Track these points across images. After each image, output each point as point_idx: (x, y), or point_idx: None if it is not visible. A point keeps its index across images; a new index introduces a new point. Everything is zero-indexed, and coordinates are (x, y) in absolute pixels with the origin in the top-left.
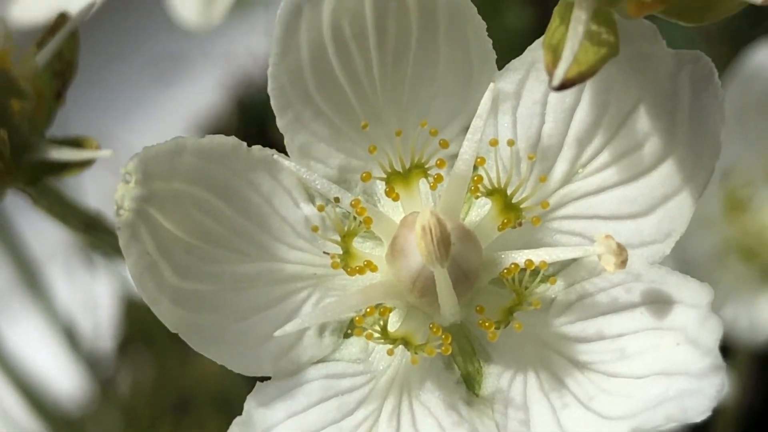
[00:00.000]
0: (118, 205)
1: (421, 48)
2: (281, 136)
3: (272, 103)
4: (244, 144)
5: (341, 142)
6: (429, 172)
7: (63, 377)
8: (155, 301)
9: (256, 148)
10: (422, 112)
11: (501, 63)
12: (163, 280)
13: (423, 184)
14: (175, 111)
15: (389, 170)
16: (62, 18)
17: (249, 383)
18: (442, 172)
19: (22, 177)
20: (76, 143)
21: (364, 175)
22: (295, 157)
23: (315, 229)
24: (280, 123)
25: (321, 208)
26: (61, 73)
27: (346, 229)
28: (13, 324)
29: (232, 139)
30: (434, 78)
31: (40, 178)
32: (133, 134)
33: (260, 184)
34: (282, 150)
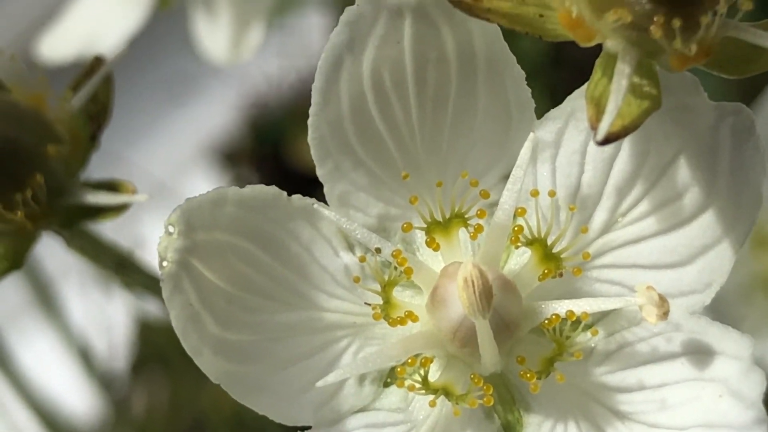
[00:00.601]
0: (162, 256)
1: (460, 97)
2: (295, 159)
3: (312, 152)
4: (284, 193)
5: (381, 191)
6: (469, 221)
7: (77, 397)
8: (197, 351)
9: (296, 197)
10: (461, 161)
11: None
12: (205, 330)
13: (462, 233)
14: (187, 132)
15: (429, 220)
16: (97, 61)
17: None
18: (482, 221)
19: (57, 220)
20: (112, 187)
21: (404, 225)
22: (334, 206)
23: (356, 279)
24: (320, 172)
25: (362, 259)
26: (96, 116)
27: (386, 278)
28: (27, 343)
29: (273, 189)
30: (473, 127)
31: (75, 222)
32: (144, 155)
33: (300, 233)
34: (299, 176)
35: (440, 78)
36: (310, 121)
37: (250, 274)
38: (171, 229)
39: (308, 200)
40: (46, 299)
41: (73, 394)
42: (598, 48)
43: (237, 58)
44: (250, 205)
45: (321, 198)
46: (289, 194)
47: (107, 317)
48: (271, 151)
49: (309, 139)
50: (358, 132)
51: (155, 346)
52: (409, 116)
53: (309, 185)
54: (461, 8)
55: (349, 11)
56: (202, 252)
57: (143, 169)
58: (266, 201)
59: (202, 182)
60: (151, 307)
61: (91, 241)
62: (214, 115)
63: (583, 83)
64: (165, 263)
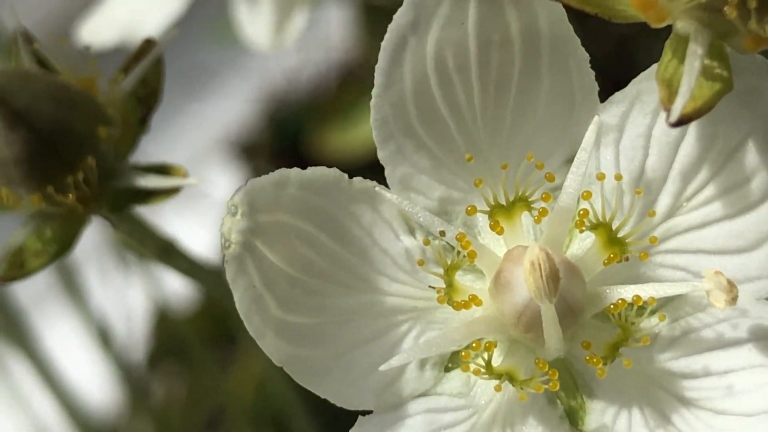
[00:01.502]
0: (225, 238)
1: (523, 80)
2: (314, 152)
3: (374, 134)
4: (346, 176)
5: (442, 174)
6: (533, 205)
7: (96, 383)
8: (261, 334)
9: (357, 179)
10: (524, 144)
11: None
12: (267, 313)
13: (525, 217)
14: (204, 125)
15: (493, 203)
16: (147, 44)
17: (287, 400)
18: (546, 205)
19: (107, 203)
20: (163, 170)
21: (468, 208)
22: (395, 189)
23: (421, 262)
24: (382, 154)
25: (426, 242)
26: (146, 99)
27: (449, 262)
28: (49, 326)
29: (334, 171)
30: (536, 110)
31: (125, 206)
32: (162, 148)
33: (361, 215)
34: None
35: (503, 60)
36: (372, 102)
37: (312, 257)
38: (234, 210)
39: (370, 183)
40: (69, 283)
41: (93, 379)
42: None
43: (279, 44)
44: (312, 186)
45: None
46: None
47: (126, 302)
48: (290, 144)
49: (371, 120)
50: (421, 114)
51: (172, 339)
52: (471, 98)
53: None
54: None
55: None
56: (265, 234)
57: (159, 161)
58: (328, 183)
59: (220, 175)
60: (171, 297)
61: (138, 226)
62: (232, 108)
63: None
64: (229, 245)
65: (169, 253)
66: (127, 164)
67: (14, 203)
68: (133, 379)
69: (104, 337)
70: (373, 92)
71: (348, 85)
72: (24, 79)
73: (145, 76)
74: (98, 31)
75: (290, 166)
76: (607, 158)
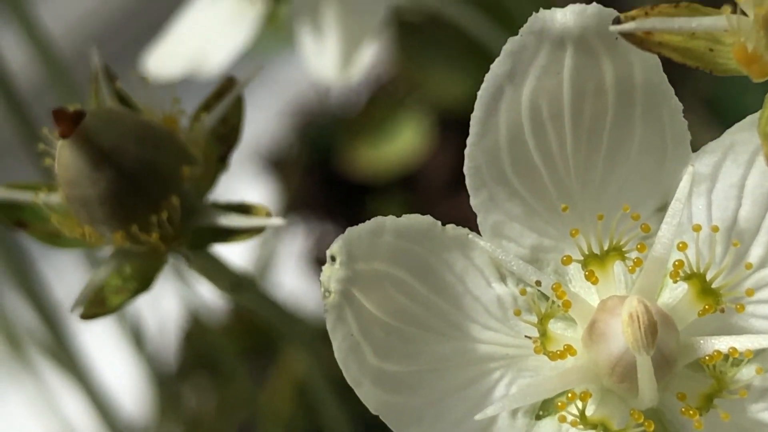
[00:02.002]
0: (325, 287)
1: (615, 128)
2: (344, 167)
3: (467, 182)
4: (438, 223)
5: (535, 222)
6: (627, 255)
7: (128, 387)
8: (358, 382)
9: (450, 227)
10: (616, 192)
11: None
12: (364, 361)
13: (618, 266)
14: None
15: (587, 253)
16: (229, 82)
17: (326, 413)
18: (641, 255)
19: (187, 241)
20: (244, 209)
21: (564, 258)
22: (487, 236)
23: (517, 312)
24: (474, 202)
25: (523, 292)
26: (226, 137)
27: (543, 311)
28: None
29: (428, 218)
30: (628, 158)
31: (205, 244)
32: None
33: (454, 263)
34: (348, 184)
35: (597, 108)
36: (467, 151)
37: (407, 305)
38: (333, 259)
39: (462, 230)
40: None
41: (124, 382)
42: None
43: (346, 78)
44: (407, 234)
45: (370, 205)
46: (339, 201)
47: (161, 311)
48: (321, 158)
49: (465, 168)
50: (514, 162)
51: (207, 345)
52: (564, 146)
53: (358, 193)
54: (632, 41)
55: (512, 42)
56: (362, 282)
57: None
58: (422, 230)
59: (250, 189)
60: (205, 305)
61: (212, 262)
62: (262, 121)
63: None
64: (328, 294)
65: (240, 287)
66: (207, 202)
67: (96, 240)
68: (165, 386)
69: (138, 342)
70: (468, 141)
71: (379, 100)
72: (111, 119)
73: (225, 114)
74: (164, 62)
75: (322, 181)
76: (699, 207)
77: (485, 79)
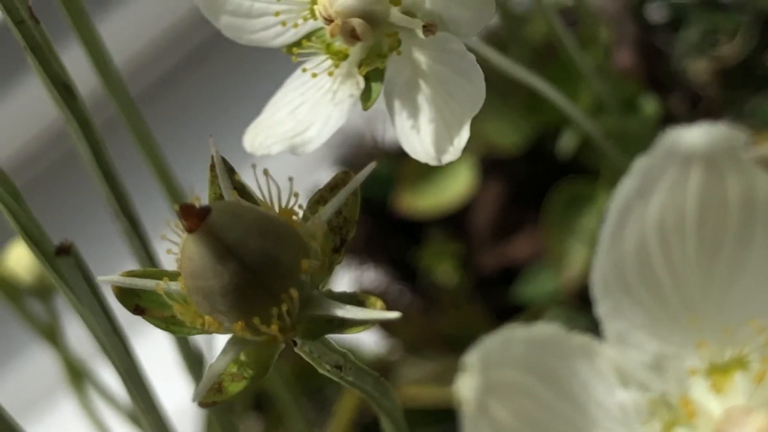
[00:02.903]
0: (462, 397)
1: (736, 243)
2: (401, 207)
3: (594, 291)
4: (564, 330)
5: (658, 329)
6: (749, 366)
7: (185, 413)
8: None
9: (576, 334)
10: (737, 304)
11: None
12: None
13: (739, 376)
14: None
15: (710, 362)
16: (344, 176)
17: None
18: (765, 367)
19: (302, 331)
20: (358, 300)
21: (690, 369)
22: (611, 343)
23: (646, 420)
24: (600, 310)
25: (653, 406)
26: (339, 229)
27: (667, 418)
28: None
29: (554, 327)
30: (747, 272)
31: (319, 334)
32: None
33: (579, 370)
34: (406, 224)
35: (719, 223)
36: (595, 262)
37: (536, 412)
38: (469, 368)
39: (587, 338)
40: None
41: (182, 407)
42: None
43: (442, 160)
44: (536, 343)
45: (416, 248)
46: (397, 240)
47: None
48: (379, 197)
49: (592, 279)
50: (639, 273)
51: (264, 382)
52: (686, 258)
53: (415, 232)
54: (762, 165)
55: (642, 161)
56: (496, 391)
57: None
58: (551, 339)
59: None
60: None
61: (318, 345)
62: (312, 161)
63: None
64: (465, 404)
65: (342, 368)
66: (322, 292)
67: (215, 329)
68: (222, 418)
69: (197, 367)
70: (597, 252)
71: None
72: (235, 213)
73: (340, 207)
74: (262, 141)
75: (380, 220)
76: None
77: (616, 194)
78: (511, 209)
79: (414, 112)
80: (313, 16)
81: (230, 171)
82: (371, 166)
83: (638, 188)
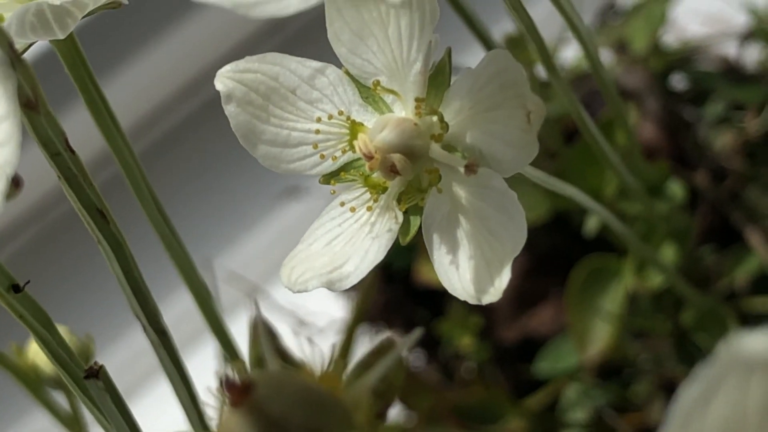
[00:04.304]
0: None
1: None
2: (421, 278)
3: None
4: None
5: None
6: None
7: None
8: None
9: None
10: None
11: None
12: None
13: None
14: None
15: None
16: (388, 343)
17: None
18: None
19: None
20: None
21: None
22: None
23: None
24: None
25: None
26: (383, 394)
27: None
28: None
29: None
30: None
31: None
32: (237, 262)
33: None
34: (427, 293)
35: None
36: None
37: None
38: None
39: None
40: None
41: None
42: None
43: (483, 301)
44: None
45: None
46: (417, 309)
47: None
48: (400, 266)
49: None
50: None
51: None
52: None
53: (436, 302)
54: None
55: (704, 369)
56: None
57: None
58: None
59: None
60: None
61: None
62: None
63: None
64: None
65: None
66: None
67: None
68: None
69: None
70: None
71: None
72: (278, 386)
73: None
74: (297, 275)
75: (400, 288)
76: None
77: (678, 399)
78: (534, 281)
79: (453, 248)
80: (352, 148)
81: (272, 336)
82: (417, 333)
83: (699, 396)
